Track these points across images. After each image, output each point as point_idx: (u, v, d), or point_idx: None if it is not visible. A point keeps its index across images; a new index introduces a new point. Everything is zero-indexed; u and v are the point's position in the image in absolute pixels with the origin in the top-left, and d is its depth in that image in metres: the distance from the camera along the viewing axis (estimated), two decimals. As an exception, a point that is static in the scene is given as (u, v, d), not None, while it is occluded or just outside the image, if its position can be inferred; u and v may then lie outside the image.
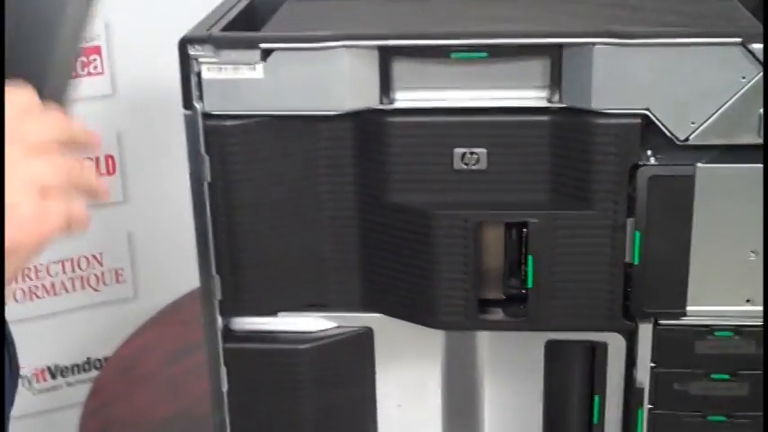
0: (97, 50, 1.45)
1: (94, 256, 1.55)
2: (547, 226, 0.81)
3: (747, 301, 0.82)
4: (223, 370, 0.88)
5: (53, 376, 1.55)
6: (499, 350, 0.88)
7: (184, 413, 1.09)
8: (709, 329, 0.83)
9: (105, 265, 1.56)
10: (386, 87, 0.81)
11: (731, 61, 0.76)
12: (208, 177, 0.83)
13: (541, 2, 0.90)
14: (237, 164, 0.83)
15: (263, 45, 0.79)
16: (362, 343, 0.89)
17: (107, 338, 1.46)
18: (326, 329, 0.89)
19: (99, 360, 1.54)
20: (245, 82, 0.80)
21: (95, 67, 1.46)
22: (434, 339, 0.88)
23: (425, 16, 0.88)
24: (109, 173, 1.51)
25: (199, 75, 0.81)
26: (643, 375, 0.85)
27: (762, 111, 0.77)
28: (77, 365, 1.55)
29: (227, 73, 0.80)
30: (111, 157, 1.51)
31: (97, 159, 1.50)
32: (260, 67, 0.80)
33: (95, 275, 1.57)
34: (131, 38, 1.44)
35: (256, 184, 0.83)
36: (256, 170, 0.83)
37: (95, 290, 1.57)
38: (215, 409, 0.89)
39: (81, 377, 1.55)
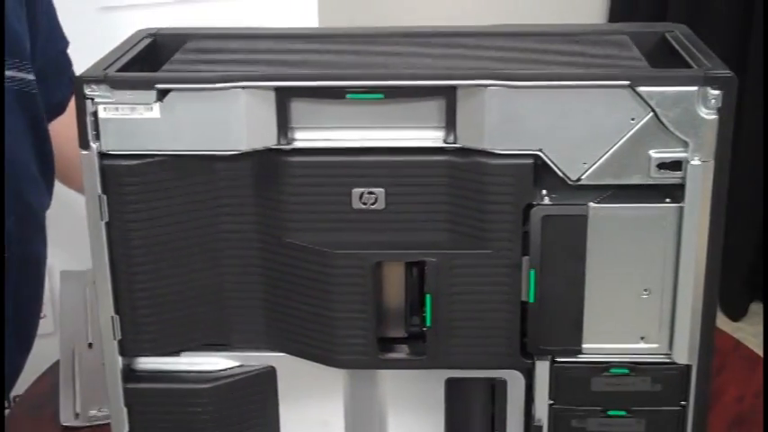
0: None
1: (14, 291, 1.53)
2: (444, 265, 0.82)
3: (642, 338, 0.84)
4: (124, 411, 0.87)
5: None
6: (401, 388, 0.88)
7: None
8: (605, 366, 0.84)
9: (25, 299, 1.54)
10: (283, 127, 0.81)
11: (620, 103, 0.78)
12: (105, 217, 0.82)
13: (437, 43, 0.90)
14: (135, 203, 0.82)
15: (158, 86, 0.79)
16: (265, 382, 0.89)
17: (30, 374, 1.44)
18: (229, 368, 0.88)
19: (17, 397, 1.51)
20: (141, 122, 0.80)
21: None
22: (336, 378, 0.88)
23: (323, 57, 0.88)
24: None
25: (95, 114, 0.80)
26: (541, 412, 0.86)
27: (651, 152, 0.79)
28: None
29: (124, 113, 0.80)
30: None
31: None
32: (156, 107, 0.80)
33: (15, 310, 1.54)
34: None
35: (154, 224, 0.83)
36: (154, 210, 0.83)
37: (14, 325, 1.55)
38: (117, 451, 0.89)
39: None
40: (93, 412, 1.12)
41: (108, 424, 1.08)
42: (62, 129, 1.16)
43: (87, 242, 1.42)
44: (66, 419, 1.11)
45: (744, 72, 2.28)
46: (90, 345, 1.23)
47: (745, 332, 2.33)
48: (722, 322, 2.35)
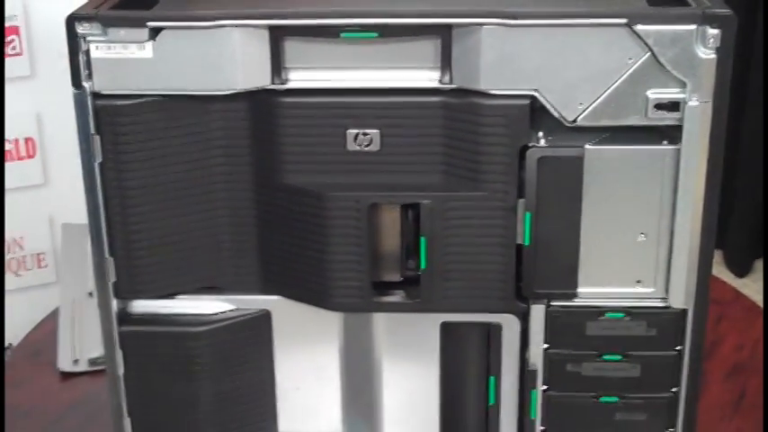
0: (15, 31, 1.43)
1: (15, 240, 1.54)
2: (438, 207, 0.81)
3: (638, 282, 0.83)
4: (119, 353, 0.87)
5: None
6: (396, 332, 0.88)
7: (84, 400, 1.08)
8: (600, 311, 0.84)
9: (26, 249, 1.55)
10: (277, 67, 0.80)
11: (617, 42, 0.77)
12: (99, 157, 0.82)
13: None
14: (128, 144, 0.82)
15: (151, 24, 0.79)
16: (260, 325, 0.89)
17: (29, 323, 1.44)
18: (224, 312, 0.88)
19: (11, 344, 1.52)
20: (134, 61, 0.80)
21: (14, 48, 1.44)
22: (332, 322, 0.88)
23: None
24: (29, 155, 1.50)
25: (87, 53, 0.80)
26: (536, 357, 0.85)
27: (649, 93, 0.78)
28: (-2, 351, 1.54)
29: (116, 52, 0.80)
30: (32, 139, 1.49)
31: (17, 141, 1.48)
32: (149, 45, 0.79)
33: (16, 260, 1.55)
34: (50, 17, 1.42)
35: (148, 165, 0.83)
36: (148, 150, 0.82)
37: (17, 274, 1.56)
38: (112, 393, 0.89)
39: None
40: (91, 358, 1.12)
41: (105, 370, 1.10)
42: None
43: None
44: (65, 365, 1.12)
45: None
46: (90, 294, 1.23)
47: (750, 288, 2.32)
48: (727, 279, 2.35)
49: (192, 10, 0.82)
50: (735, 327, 1.13)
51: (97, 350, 1.13)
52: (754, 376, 1.07)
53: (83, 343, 1.15)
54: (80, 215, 1.40)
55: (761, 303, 1.22)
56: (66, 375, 1.11)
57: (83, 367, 1.12)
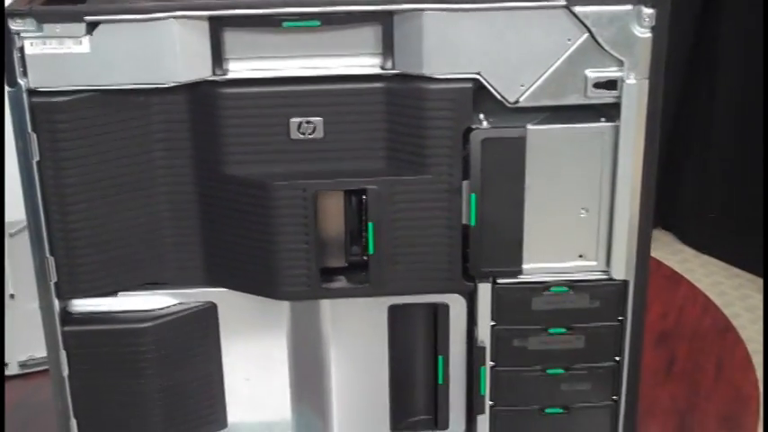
0: None
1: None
2: (385, 192, 0.82)
3: (580, 256, 0.85)
4: (63, 354, 0.86)
5: None
6: (343, 318, 0.89)
7: (20, 403, 1.06)
8: (545, 286, 0.86)
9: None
10: (218, 58, 0.80)
11: (557, 24, 0.78)
12: (36, 156, 0.80)
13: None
14: (66, 141, 0.80)
15: (88, 18, 0.77)
16: (206, 318, 0.88)
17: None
18: (168, 306, 0.87)
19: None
20: (71, 56, 0.78)
21: None
22: (278, 311, 0.88)
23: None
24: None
25: (22, 50, 0.78)
26: (484, 334, 0.87)
27: (587, 72, 0.80)
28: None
29: (52, 47, 0.78)
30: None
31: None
32: (86, 40, 0.78)
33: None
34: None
35: (87, 161, 0.81)
36: (87, 147, 0.81)
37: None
38: (56, 395, 0.87)
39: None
40: (22, 359, 1.10)
41: (40, 371, 1.08)
42: None
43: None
44: (-5, 370, 1.09)
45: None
46: (12, 296, 1.20)
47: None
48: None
49: (129, 2, 0.80)
50: (658, 296, 1.17)
51: (25, 353, 1.11)
52: (680, 342, 1.11)
53: (10, 346, 1.12)
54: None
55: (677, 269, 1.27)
56: (-2, 379, 1.08)
57: (13, 371, 1.09)
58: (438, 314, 0.88)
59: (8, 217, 1.38)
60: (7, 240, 1.34)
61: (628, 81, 0.79)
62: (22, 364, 1.09)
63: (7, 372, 1.09)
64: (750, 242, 2.45)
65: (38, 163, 0.80)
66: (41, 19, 0.77)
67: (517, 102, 0.81)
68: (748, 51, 2.37)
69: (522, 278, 0.86)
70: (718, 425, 0.99)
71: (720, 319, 1.15)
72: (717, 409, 1.01)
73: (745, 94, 2.40)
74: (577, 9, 0.78)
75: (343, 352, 0.90)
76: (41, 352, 1.08)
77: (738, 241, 2.52)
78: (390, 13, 0.79)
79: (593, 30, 0.78)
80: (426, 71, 0.79)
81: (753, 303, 2.39)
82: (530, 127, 0.81)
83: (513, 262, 0.85)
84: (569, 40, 0.79)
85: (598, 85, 0.80)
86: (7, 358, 1.10)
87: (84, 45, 0.78)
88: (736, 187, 2.50)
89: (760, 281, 2.49)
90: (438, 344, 0.89)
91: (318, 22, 0.79)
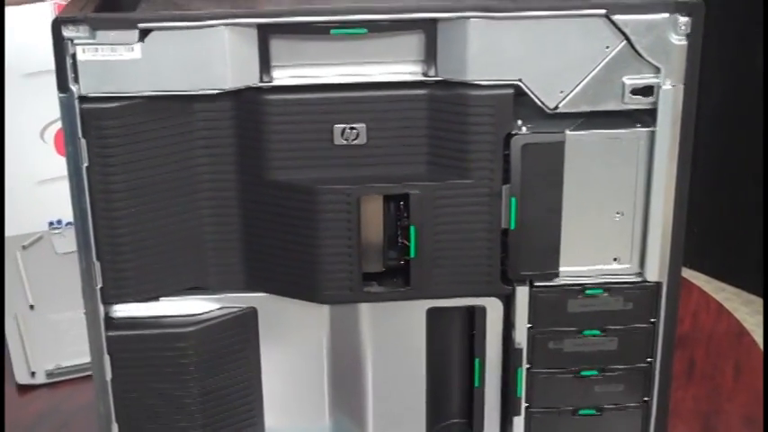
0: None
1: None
2: (427, 196, 0.84)
3: (614, 259, 0.87)
4: (106, 359, 0.87)
5: None
6: (383, 322, 0.90)
7: (50, 410, 1.06)
8: (581, 288, 0.88)
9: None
10: (265, 65, 0.82)
11: (596, 32, 0.81)
12: (85, 161, 0.81)
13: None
14: (115, 147, 0.81)
15: (141, 25, 0.79)
16: (247, 323, 0.89)
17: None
18: (210, 311, 0.89)
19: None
20: (122, 63, 0.79)
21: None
22: (318, 316, 0.90)
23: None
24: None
25: (74, 57, 0.79)
26: (521, 336, 0.89)
27: (625, 79, 0.82)
28: None
29: (104, 54, 0.79)
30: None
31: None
32: (138, 47, 0.79)
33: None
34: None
35: (134, 167, 0.83)
36: (135, 153, 0.82)
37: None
38: (99, 400, 0.88)
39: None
40: (48, 369, 1.10)
41: (67, 380, 1.08)
42: None
43: (13, 208, 1.39)
44: (22, 378, 1.09)
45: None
46: (32, 306, 1.21)
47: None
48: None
49: (178, 10, 0.82)
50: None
51: (51, 362, 1.11)
52: (698, 346, 1.13)
53: (36, 355, 1.12)
54: (11, 228, 1.37)
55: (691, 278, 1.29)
56: (25, 388, 1.08)
57: (41, 379, 1.09)
58: (475, 317, 0.90)
59: (20, 230, 1.39)
60: (21, 252, 1.35)
61: (664, 87, 0.82)
62: (50, 373, 1.10)
63: (34, 381, 1.09)
64: (733, 257, 2.49)
65: (87, 168, 0.82)
66: (95, 26, 0.78)
67: (557, 108, 0.83)
68: (728, 59, 2.41)
69: (559, 281, 0.88)
70: (742, 426, 1.01)
71: (734, 324, 1.18)
72: (739, 410, 1.03)
73: (725, 109, 2.44)
74: (616, 17, 0.80)
75: (381, 356, 0.91)
76: (68, 360, 1.09)
77: (722, 256, 2.56)
78: (435, 21, 0.81)
79: (631, 38, 0.81)
80: (469, 78, 0.81)
81: (740, 317, 2.42)
82: (568, 133, 0.83)
83: (551, 265, 0.87)
84: (608, 47, 0.81)
85: (635, 92, 0.82)
86: (33, 367, 1.11)
87: (136, 52, 0.79)
88: (717, 204, 2.55)
89: (745, 294, 2.53)
90: (475, 347, 0.91)
91: (365, 30, 0.81)
